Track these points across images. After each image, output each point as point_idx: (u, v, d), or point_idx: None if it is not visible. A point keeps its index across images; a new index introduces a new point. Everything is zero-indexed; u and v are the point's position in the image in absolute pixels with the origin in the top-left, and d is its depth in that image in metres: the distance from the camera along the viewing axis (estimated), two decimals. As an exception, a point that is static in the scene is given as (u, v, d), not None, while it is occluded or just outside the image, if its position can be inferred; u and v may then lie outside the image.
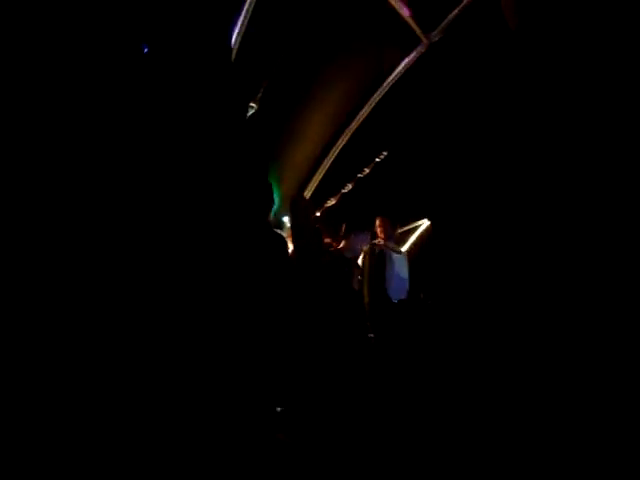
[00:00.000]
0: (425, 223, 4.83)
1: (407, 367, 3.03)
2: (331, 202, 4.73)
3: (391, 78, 5.00)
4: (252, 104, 4.24)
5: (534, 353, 2.66)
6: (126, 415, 1.84)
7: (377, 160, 4.80)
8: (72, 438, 1.75)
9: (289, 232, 3.97)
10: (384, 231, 4.49)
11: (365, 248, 3.82)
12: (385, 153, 4.73)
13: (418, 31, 4.43)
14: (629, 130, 2.73)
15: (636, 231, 2.41)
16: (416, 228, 4.92)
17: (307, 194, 4.75)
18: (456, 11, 4.17)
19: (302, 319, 3.02)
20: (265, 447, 2.16)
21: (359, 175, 4.89)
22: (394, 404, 2.72)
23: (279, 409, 2.46)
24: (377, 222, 4.59)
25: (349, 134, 5.12)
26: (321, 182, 4.95)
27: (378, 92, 4.97)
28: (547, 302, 2.94)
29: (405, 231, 4.83)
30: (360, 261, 3.90)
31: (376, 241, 4.20)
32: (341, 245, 4.08)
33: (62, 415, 1.76)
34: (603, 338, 2.30)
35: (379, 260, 3.84)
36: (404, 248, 4.76)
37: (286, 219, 4.26)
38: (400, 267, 4.18)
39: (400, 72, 4.99)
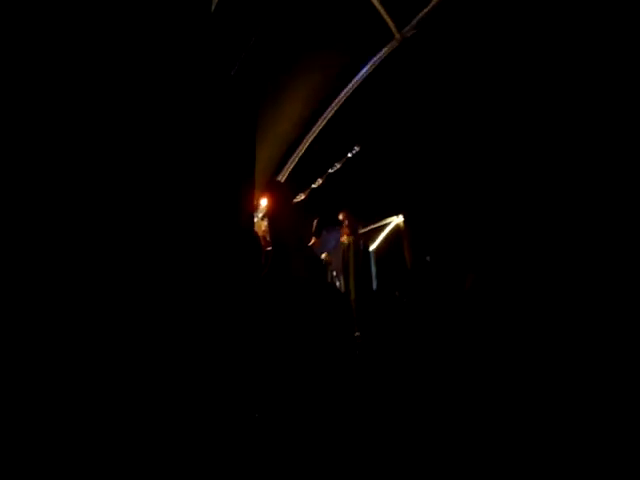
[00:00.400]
0: (395, 220, 4.79)
1: (394, 366, 2.96)
2: (301, 197, 4.61)
3: (363, 72, 4.95)
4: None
5: (515, 351, 2.65)
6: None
7: (349, 155, 4.72)
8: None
9: (260, 225, 3.83)
10: (349, 225, 4.44)
11: (346, 241, 3.75)
12: (357, 148, 4.65)
13: (392, 26, 4.39)
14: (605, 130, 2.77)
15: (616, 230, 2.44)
16: (386, 225, 4.88)
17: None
18: (430, 7, 4.15)
19: (282, 318, 2.90)
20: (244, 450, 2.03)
21: (330, 170, 4.80)
22: (381, 405, 2.64)
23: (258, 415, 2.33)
24: (341, 216, 4.53)
25: (319, 128, 5.03)
26: (290, 176, 4.83)
27: (349, 86, 4.90)
28: (526, 299, 2.94)
29: (374, 228, 4.78)
30: (335, 256, 3.82)
31: (348, 237, 4.14)
32: (312, 241, 3.98)
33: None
34: (585, 336, 2.31)
35: (365, 255, 3.78)
36: (373, 245, 4.72)
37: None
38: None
39: (372, 67, 4.94)
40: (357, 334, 3.47)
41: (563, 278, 2.64)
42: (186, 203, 2.28)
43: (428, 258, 4.25)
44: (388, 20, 4.34)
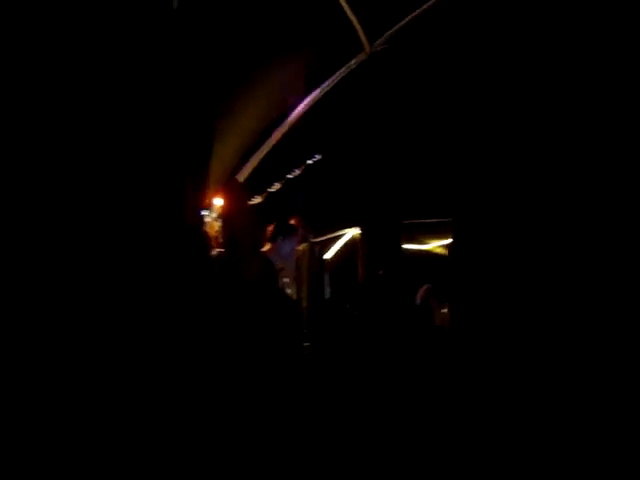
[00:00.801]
0: (351, 232, 4.76)
1: (339, 377, 2.86)
2: (257, 200, 4.49)
3: (329, 81, 4.92)
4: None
5: (463, 363, 2.65)
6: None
7: (309, 162, 4.66)
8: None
9: (213, 225, 3.67)
10: (300, 232, 4.36)
11: (302, 247, 3.64)
12: (318, 156, 4.60)
13: (363, 38, 4.39)
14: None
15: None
16: (341, 236, 4.83)
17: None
18: (403, 23, 4.19)
19: (230, 322, 2.76)
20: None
21: (288, 176, 4.71)
22: (322, 416, 2.54)
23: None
24: (293, 221, 4.44)
25: (281, 133, 4.94)
26: (249, 178, 4.70)
27: (315, 93, 4.85)
28: (477, 314, 2.96)
29: (330, 238, 4.72)
30: (289, 263, 3.70)
31: (303, 246, 4.04)
32: (267, 247, 3.86)
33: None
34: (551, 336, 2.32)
35: (320, 265, 3.70)
36: (328, 255, 4.65)
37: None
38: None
39: (338, 77, 4.93)
40: (306, 344, 3.36)
41: (516, 291, 2.66)
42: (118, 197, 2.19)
43: (381, 272, 4.23)
44: (360, 31, 4.34)
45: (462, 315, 2.98)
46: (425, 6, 4.20)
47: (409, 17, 4.16)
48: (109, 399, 1.83)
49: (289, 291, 3.78)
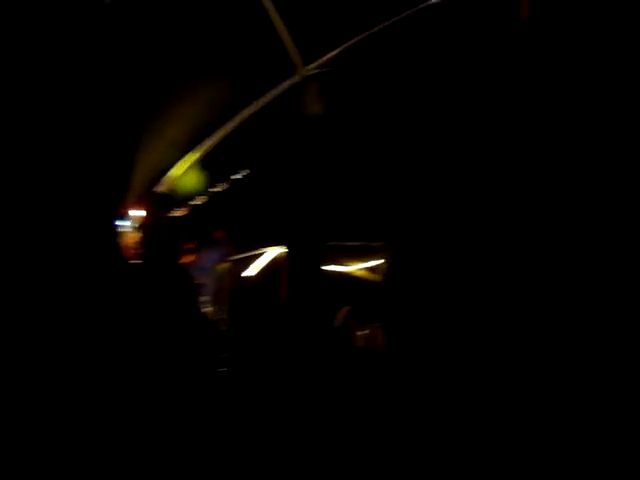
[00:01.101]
0: (275, 250, 4.71)
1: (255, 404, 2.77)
2: (179, 212, 4.33)
3: (259, 101, 4.93)
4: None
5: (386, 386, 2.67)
6: None
7: (236, 178, 4.59)
8: None
9: (132, 236, 3.50)
10: (223, 246, 4.30)
11: (225, 266, 3.55)
12: (245, 173, 4.55)
13: (297, 61, 4.47)
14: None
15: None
16: (265, 254, 4.77)
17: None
18: (339, 50, 4.33)
19: (141, 334, 2.60)
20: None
21: (212, 190, 4.61)
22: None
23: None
24: (217, 235, 4.36)
25: (209, 146, 4.84)
26: (171, 191, 4.53)
27: (247, 109, 4.84)
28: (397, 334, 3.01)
29: (254, 255, 4.65)
30: (210, 279, 3.59)
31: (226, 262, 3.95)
32: (188, 260, 3.73)
33: None
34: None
35: (241, 282, 3.62)
36: (250, 272, 4.57)
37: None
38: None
39: (270, 96, 4.95)
40: (224, 369, 3.24)
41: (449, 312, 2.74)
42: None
43: (302, 292, 4.22)
44: (294, 54, 4.41)
45: (395, 337, 3.02)
46: (358, 38, 4.41)
47: (342, 46, 4.31)
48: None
49: (208, 309, 3.66)
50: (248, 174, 4.65)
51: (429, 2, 4.10)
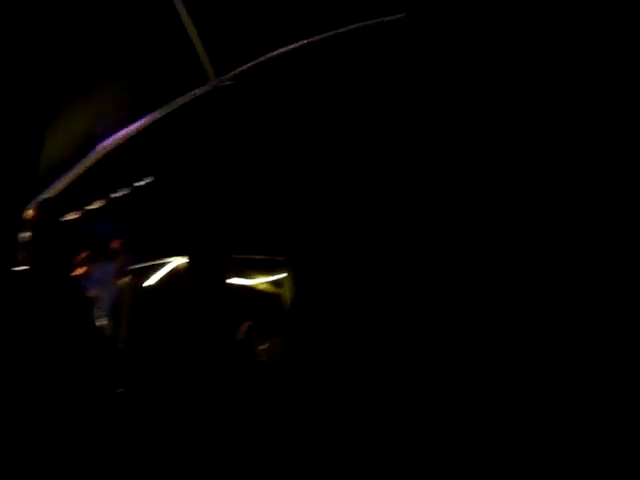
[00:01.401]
0: (176, 261, 4.58)
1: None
2: (72, 216, 4.04)
3: (168, 106, 4.81)
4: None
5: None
6: None
7: (136, 185, 4.40)
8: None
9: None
10: (121, 257, 4.11)
11: (125, 279, 3.36)
12: (148, 180, 4.39)
13: (210, 71, 4.44)
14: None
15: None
16: (165, 264, 4.62)
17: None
18: (250, 64, 4.38)
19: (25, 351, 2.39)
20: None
21: (112, 195, 4.38)
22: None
23: None
24: (114, 245, 4.16)
25: (107, 150, 4.60)
26: (64, 193, 4.24)
27: (152, 115, 4.69)
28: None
29: (153, 265, 4.48)
30: (106, 292, 3.39)
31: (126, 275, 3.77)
32: (80, 271, 3.51)
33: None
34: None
35: (142, 296, 3.45)
36: (150, 283, 4.39)
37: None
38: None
39: (178, 103, 4.85)
40: (120, 390, 3.05)
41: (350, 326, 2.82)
42: None
43: (204, 306, 4.14)
44: (207, 65, 4.38)
45: (296, 350, 3.05)
46: (269, 55, 4.52)
47: (254, 61, 4.37)
48: None
49: (103, 324, 3.46)
50: (152, 181, 4.48)
51: (331, 33, 4.36)
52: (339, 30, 4.38)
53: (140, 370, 3.07)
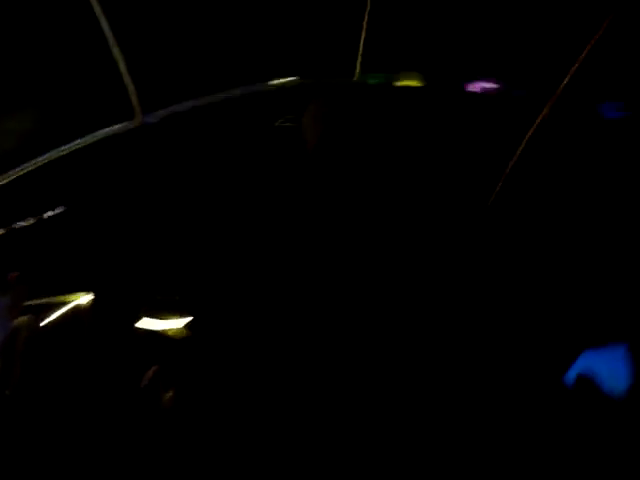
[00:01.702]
0: (78, 299, 4.31)
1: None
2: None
3: (88, 137, 4.67)
4: None
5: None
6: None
7: (46, 215, 4.16)
8: None
9: None
10: (16, 293, 3.82)
11: (22, 319, 3.10)
12: (60, 209, 4.16)
13: (137, 107, 4.40)
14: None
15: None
16: (64, 303, 4.32)
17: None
18: (175, 106, 4.44)
19: None
20: None
21: (16, 224, 4.09)
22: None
23: None
24: (10, 279, 3.87)
25: (19, 174, 4.33)
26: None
27: (71, 143, 4.51)
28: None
29: (53, 303, 4.17)
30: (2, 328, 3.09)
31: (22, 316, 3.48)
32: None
33: None
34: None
35: (39, 338, 3.18)
36: (46, 321, 4.06)
37: None
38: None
39: (99, 135, 4.73)
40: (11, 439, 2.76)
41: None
42: None
43: (107, 348, 3.91)
44: (134, 101, 4.35)
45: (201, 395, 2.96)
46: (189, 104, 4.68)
47: (175, 106, 4.47)
48: None
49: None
50: (63, 211, 4.25)
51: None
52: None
53: (31, 420, 2.80)
